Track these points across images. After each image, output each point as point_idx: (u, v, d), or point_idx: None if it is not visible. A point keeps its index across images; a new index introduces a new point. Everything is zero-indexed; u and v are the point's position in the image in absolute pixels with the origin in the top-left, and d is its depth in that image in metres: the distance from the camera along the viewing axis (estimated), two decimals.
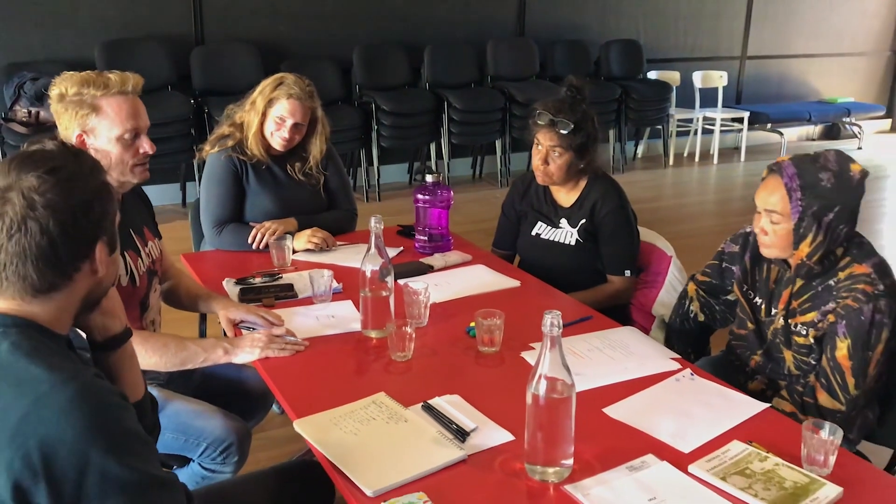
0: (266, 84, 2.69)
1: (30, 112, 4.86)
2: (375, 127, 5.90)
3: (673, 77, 7.56)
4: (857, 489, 1.46)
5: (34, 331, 1.18)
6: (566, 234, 2.59)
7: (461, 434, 1.59)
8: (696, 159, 7.76)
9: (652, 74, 7.45)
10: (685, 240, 5.66)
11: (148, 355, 1.88)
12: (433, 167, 6.34)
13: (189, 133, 5.31)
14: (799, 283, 1.96)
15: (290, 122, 2.68)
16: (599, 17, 7.20)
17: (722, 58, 8.01)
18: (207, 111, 5.34)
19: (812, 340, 1.93)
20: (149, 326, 2.10)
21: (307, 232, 2.65)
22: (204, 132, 5.27)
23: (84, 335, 1.38)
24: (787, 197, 1.86)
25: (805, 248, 1.87)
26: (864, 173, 1.88)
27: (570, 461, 1.49)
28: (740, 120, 7.73)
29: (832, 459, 1.50)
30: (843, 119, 8.46)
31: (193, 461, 1.98)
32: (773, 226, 1.90)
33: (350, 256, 2.58)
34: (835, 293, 1.89)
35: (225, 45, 5.68)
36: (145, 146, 1.96)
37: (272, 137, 2.70)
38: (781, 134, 8.02)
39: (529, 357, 1.94)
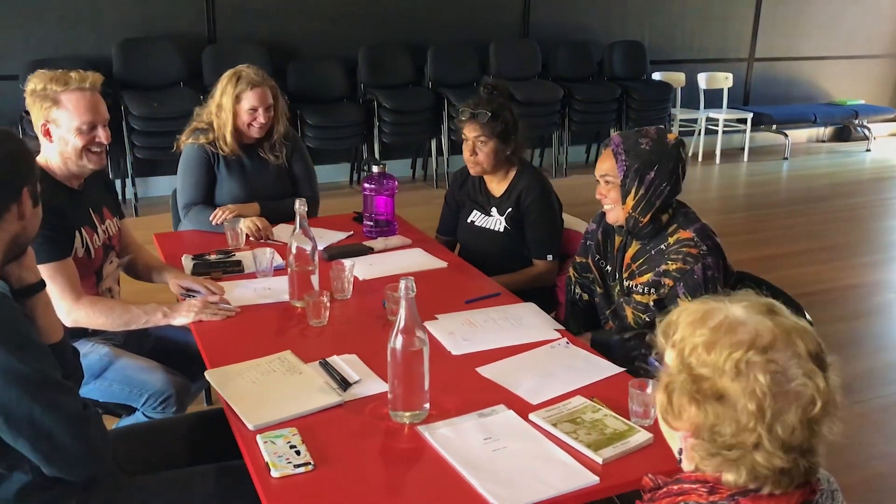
0: (225, 84, 2.99)
1: None
2: (377, 124, 6.18)
3: (677, 78, 7.72)
4: None
5: None
6: (496, 221, 2.84)
7: (344, 384, 1.86)
8: (700, 159, 7.90)
9: (656, 76, 7.62)
10: None
11: (96, 316, 2.19)
12: (433, 163, 6.61)
13: None
14: (635, 245, 2.25)
15: (261, 108, 2.98)
16: (604, 18, 7.40)
17: (729, 59, 8.14)
18: None
19: (651, 301, 2.18)
20: (105, 294, 2.40)
21: (251, 218, 2.92)
22: None
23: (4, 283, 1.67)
24: (615, 161, 2.15)
25: (630, 201, 2.17)
26: (679, 141, 2.20)
27: (426, 406, 1.74)
28: (744, 121, 7.86)
29: (653, 412, 1.73)
30: (853, 121, 8.53)
31: (138, 410, 2.27)
32: (607, 186, 2.21)
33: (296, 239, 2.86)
34: (666, 256, 2.18)
35: (235, 44, 6.00)
36: (101, 136, 2.25)
37: (250, 129, 3.00)
38: (786, 135, 8.13)
39: (430, 326, 2.19)
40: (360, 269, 2.59)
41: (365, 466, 1.59)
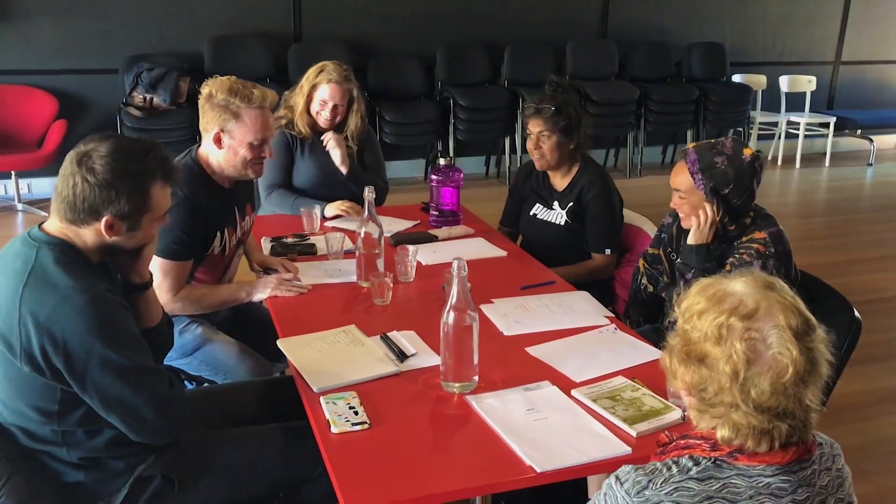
0: (311, 71, 3.22)
1: (145, 98, 5.57)
2: (452, 121, 6.34)
3: (758, 81, 7.64)
4: None
5: (70, 250, 1.66)
6: (557, 215, 2.95)
7: (401, 356, 2.01)
8: (779, 163, 7.80)
9: (736, 78, 7.56)
10: None
11: (190, 307, 2.40)
12: (507, 161, 6.73)
13: None
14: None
15: (331, 103, 3.18)
16: (684, 19, 7.38)
17: (813, 62, 8.01)
18: None
19: None
20: (225, 283, 2.60)
21: (337, 203, 3.12)
22: None
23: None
24: (691, 178, 2.24)
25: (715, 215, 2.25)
26: (755, 156, 2.23)
27: (475, 378, 1.88)
28: (827, 125, 7.72)
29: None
30: None
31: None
32: (681, 199, 2.29)
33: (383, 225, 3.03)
34: (735, 251, 2.25)
35: (319, 42, 6.25)
36: (266, 152, 2.42)
37: (318, 116, 3.21)
38: (871, 140, 7.95)
39: (486, 308, 2.33)
40: (423, 255, 2.74)
41: (415, 428, 1.74)
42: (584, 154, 2.96)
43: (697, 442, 1.21)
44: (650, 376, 1.94)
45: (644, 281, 2.56)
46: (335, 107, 3.18)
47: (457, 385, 1.87)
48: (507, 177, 6.73)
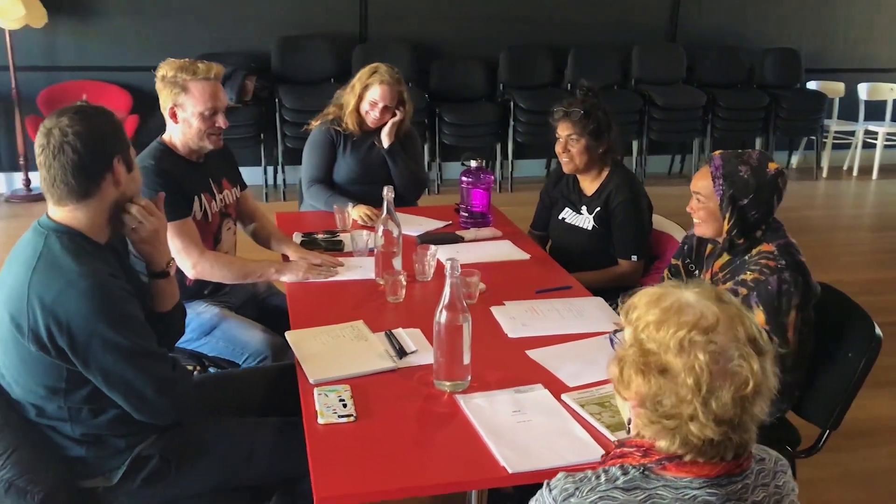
0: (363, 72, 3.32)
1: None
2: (512, 123, 6.36)
3: (835, 88, 7.39)
4: None
5: (78, 237, 1.75)
6: (585, 219, 2.95)
7: (401, 352, 2.06)
8: (855, 173, 7.53)
9: (811, 85, 7.33)
10: (804, 250, 5.64)
11: (218, 269, 2.53)
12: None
13: None
14: (725, 256, 2.30)
15: (381, 104, 3.27)
16: (758, 24, 7.20)
17: None
18: None
19: None
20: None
21: (362, 208, 3.18)
22: None
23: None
24: (712, 183, 2.20)
25: (726, 225, 2.22)
26: (779, 172, 2.18)
27: (467, 378, 1.91)
28: None
29: None
30: None
31: (240, 365, 2.57)
32: (699, 204, 2.26)
33: (413, 225, 3.10)
34: (746, 266, 2.21)
35: (384, 43, 6.35)
36: (220, 121, 2.56)
37: (367, 116, 3.30)
38: None
39: (496, 310, 2.36)
40: (447, 255, 2.77)
41: (400, 424, 1.79)
42: (616, 159, 2.95)
43: (631, 450, 1.21)
44: None
45: None
46: (385, 108, 3.26)
47: (448, 384, 1.90)
48: None
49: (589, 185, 2.97)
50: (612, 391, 1.88)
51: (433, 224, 3.16)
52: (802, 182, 7.29)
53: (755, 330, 1.17)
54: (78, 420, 1.77)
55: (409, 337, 2.15)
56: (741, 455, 1.19)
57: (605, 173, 2.93)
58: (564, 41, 6.67)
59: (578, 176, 2.98)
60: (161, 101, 2.56)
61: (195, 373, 2.62)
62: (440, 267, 2.64)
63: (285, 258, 2.75)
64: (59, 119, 1.72)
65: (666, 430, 1.17)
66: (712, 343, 1.14)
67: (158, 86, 2.54)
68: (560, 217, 3.04)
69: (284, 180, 6.18)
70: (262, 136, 5.99)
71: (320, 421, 1.76)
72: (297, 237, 2.95)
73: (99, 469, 1.81)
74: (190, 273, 2.50)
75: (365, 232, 2.82)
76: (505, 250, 2.88)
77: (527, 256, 2.82)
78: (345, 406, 1.81)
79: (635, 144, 6.73)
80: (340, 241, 2.89)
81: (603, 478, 1.19)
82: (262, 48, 6.10)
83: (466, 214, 3.11)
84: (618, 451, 1.24)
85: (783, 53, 7.19)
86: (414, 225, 3.13)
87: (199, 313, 2.56)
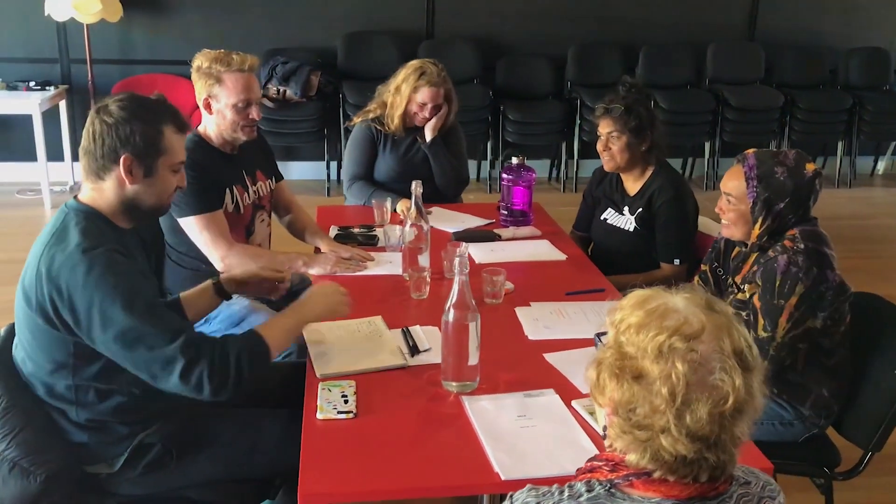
0: (409, 73, 3.28)
1: (278, 90, 5.83)
2: (579, 122, 6.23)
3: None
4: None
5: (95, 216, 1.77)
6: (627, 220, 2.84)
7: (414, 350, 2.01)
8: None
9: None
10: (874, 260, 5.37)
11: (247, 261, 2.49)
12: None
13: None
14: (753, 256, 2.18)
15: (430, 105, 3.24)
16: (843, 22, 6.86)
17: None
18: None
19: (747, 296, 2.12)
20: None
21: (406, 200, 3.14)
22: None
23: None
24: (745, 184, 2.09)
25: (757, 229, 2.11)
26: (817, 173, 2.05)
27: (475, 378, 1.85)
28: None
29: None
30: None
31: None
32: (729, 206, 2.16)
33: (438, 221, 3.05)
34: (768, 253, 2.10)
35: (450, 40, 6.31)
36: (253, 113, 2.56)
37: (415, 117, 3.28)
38: None
39: (520, 310, 2.29)
40: (481, 253, 2.73)
41: (400, 423, 1.74)
42: (660, 158, 2.84)
43: (600, 464, 1.13)
44: None
45: None
46: (434, 108, 3.25)
47: (455, 384, 1.85)
48: None
49: (632, 184, 2.86)
50: None
51: (474, 221, 3.10)
52: (888, 189, 6.92)
53: (744, 343, 1.08)
54: (84, 403, 1.78)
55: (425, 335, 2.11)
56: (717, 478, 1.09)
57: (648, 173, 2.82)
58: (636, 39, 6.50)
59: (622, 175, 2.88)
60: (196, 92, 2.58)
61: None
62: (473, 265, 2.60)
63: (318, 251, 2.74)
64: (111, 98, 1.77)
65: (637, 442, 1.09)
66: (693, 352, 1.06)
67: (194, 77, 2.56)
68: (602, 217, 2.94)
69: (339, 175, 6.21)
70: (325, 131, 6.02)
71: (319, 416, 1.74)
72: (334, 230, 2.94)
73: (101, 455, 1.82)
74: (219, 266, 2.51)
75: (398, 227, 2.78)
76: (542, 250, 2.80)
77: (563, 257, 2.74)
78: (346, 402, 1.78)
79: (707, 146, 6.52)
80: (375, 235, 2.87)
81: (566, 493, 1.12)
82: (328, 44, 6.14)
83: (506, 212, 3.04)
84: (588, 464, 1.16)
85: (870, 53, 6.83)
86: (455, 221, 3.08)
87: (229, 304, 2.56)
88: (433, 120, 3.29)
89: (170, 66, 6.01)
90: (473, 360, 1.83)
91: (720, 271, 2.34)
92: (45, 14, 5.52)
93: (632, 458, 1.10)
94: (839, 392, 2.13)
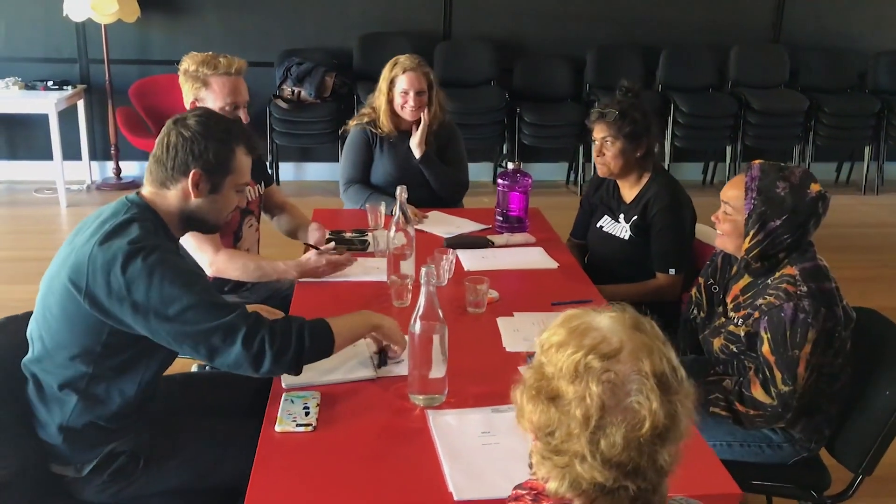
0: (384, 70, 3.23)
1: (293, 91, 5.82)
2: None
3: None
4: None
5: (151, 213, 1.77)
6: (622, 228, 2.76)
7: (382, 361, 1.96)
8: None
9: None
10: (884, 269, 5.20)
11: (233, 268, 2.49)
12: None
13: None
14: (747, 278, 2.08)
15: (412, 92, 3.17)
16: (873, 24, 6.69)
17: None
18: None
19: (742, 333, 2.02)
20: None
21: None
22: None
23: None
24: (744, 194, 1.98)
25: (746, 243, 2.01)
26: (822, 195, 1.95)
27: (442, 392, 1.80)
28: None
29: None
30: None
31: None
32: (726, 216, 2.07)
33: (433, 225, 3.00)
34: (767, 289, 1.99)
35: (467, 41, 6.25)
36: (242, 117, 2.53)
37: (403, 111, 3.20)
38: None
39: (502, 321, 2.23)
40: (471, 260, 2.67)
41: (360, 438, 1.69)
42: (657, 165, 2.75)
43: (524, 493, 1.08)
44: None
45: (695, 311, 2.35)
46: (417, 94, 3.16)
47: (421, 398, 1.79)
48: None
49: (628, 191, 2.78)
50: None
51: (471, 226, 3.04)
52: None
53: (666, 365, 1.02)
54: (90, 397, 1.75)
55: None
56: None
57: (645, 179, 2.74)
58: (657, 41, 6.39)
59: (618, 182, 2.81)
60: (183, 96, 2.55)
61: (206, 369, 2.61)
62: (461, 273, 2.54)
63: (308, 248, 2.70)
64: (191, 112, 1.83)
65: (556, 469, 1.03)
66: (609, 372, 1.00)
67: (181, 79, 2.54)
68: (598, 225, 2.87)
69: None
70: (339, 132, 5.99)
71: (277, 428, 1.70)
72: (327, 234, 2.89)
73: (72, 459, 1.80)
74: (208, 271, 2.49)
75: (388, 232, 2.73)
76: (534, 258, 2.73)
77: (555, 265, 2.67)
78: (307, 414, 1.74)
79: (728, 150, 6.38)
80: (365, 240, 2.82)
81: None
82: (344, 45, 6.11)
83: (501, 219, 2.98)
84: (514, 492, 1.11)
85: None
86: (450, 226, 3.03)
87: None
88: (418, 133, 3.21)
89: None
90: (438, 372, 1.78)
91: (715, 288, 2.25)
92: (64, 14, 5.57)
93: (552, 485, 1.04)
94: (834, 417, 2.03)
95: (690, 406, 1.03)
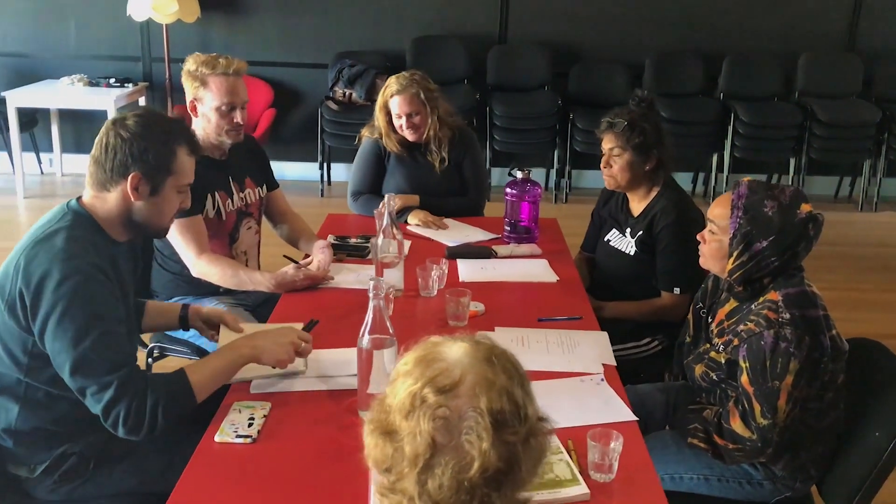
0: (381, 92, 3.14)
1: (344, 93, 5.85)
2: None
3: None
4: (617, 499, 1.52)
5: (90, 224, 1.77)
6: (628, 243, 2.65)
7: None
8: None
9: None
10: None
11: (212, 273, 2.49)
12: (713, 179, 6.20)
13: (471, 123, 5.91)
14: (732, 303, 1.98)
15: (403, 116, 3.08)
16: None
17: None
18: (489, 107, 5.89)
19: (723, 360, 1.91)
20: (240, 256, 2.70)
21: (419, 212, 3.06)
22: (484, 125, 5.87)
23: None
24: (730, 213, 1.87)
25: (730, 264, 1.89)
26: (812, 217, 1.82)
27: None
28: None
29: (615, 467, 1.56)
30: None
31: None
32: (711, 235, 1.96)
33: (441, 233, 2.95)
34: (749, 315, 1.87)
35: (521, 45, 6.16)
36: (238, 117, 2.53)
37: (405, 133, 3.13)
38: None
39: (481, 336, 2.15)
40: (469, 270, 2.61)
41: (298, 452, 1.66)
42: (668, 179, 2.63)
43: None
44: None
45: (685, 335, 2.23)
46: (409, 116, 3.08)
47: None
48: (712, 196, 6.20)
49: (636, 204, 2.67)
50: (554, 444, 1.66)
51: (480, 236, 2.98)
52: None
53: (507, 402, 0.94)
54: (31, 404, 1.76)
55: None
56: None
57: (653, 193, 2.62)
58: (719, 47, 6.16)
59: (628, 194, 2.69)
60: (186, 95, 2.57)
61: None
62: (457, 283, 2.49)
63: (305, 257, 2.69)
64: (131, 112, 1.79)
65: None
66: (443, 408, 0.94)
67: (183, 79, 2.56)
68: (606, 239, 2.76)
69: None
70: (355, 139, 5.98)
71: (216, 438, 1.68)
72: (331, 239, 2.88)
73: (24, 460, 1.81)
74: (192, 272, 2.50)
75: (386, 240, 2.69)
76: (535, 270, 2.65)
77: (555, 279, 2.58)
78: (249, 426, 1.71)
79: (792, 162, 6.11)
80: (366, 246, 2.79)
81: None
82: (397, 47, 6.11)
83: (509, 228, 2.90)
84: None
85: None
86: (459, 235, 2.97)
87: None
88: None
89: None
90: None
91: (703, 312, 2.13)
92: (127, 14, 5.74)
93: None
94: (823, 456, 1.89)
95: (537, 446, 0.95)
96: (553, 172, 6.20)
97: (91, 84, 5.89)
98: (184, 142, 1.82)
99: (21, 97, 5.63)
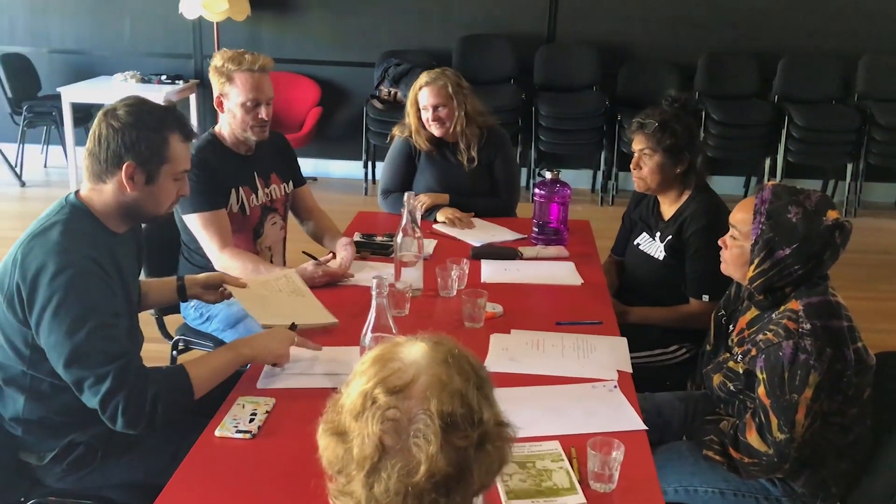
0: (412, 86, 3.11)
1: (389, 92, 5.86)
2: (703, 135, 5.82)
3: None
4: None
5: (88, 218, 1.78)
6: (657, 248, 2.57)
7: None
8: None
9: None
10: None
11: (233, 267, 2.48)
12: (766, 181, 6.02)
13: (516, 123, 5.86)
14: (754, 311, 1.90)
15: (430, 107, 3.05)
16: None
17: None
18: (535, 106, 5.82)
19: (742, 370, 1.84)
20: (264, 252, 2.71)
21: (447, 209, 3.03)
22: (529, 125, 5.80)
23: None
24: (752, 218, 1.81)
25: (751, 271, 1.82)
26: (839, 224, 1.73)
27: None
28: None
29: (615, 477, 1.51)
30: None
31: None
32: (733, 241, 1.90)
33: (469, 233, 2.91)
34: (769, 324, 1.79)
35: (570, 45, 6.08)
36: (262, 113, 2.54)
37: (431, 127, 3.09)
38: None
39: (496, 338, 2.12)
40: (492, 271, 2.57)
41: (296, 450, 1.63)
42: (701, 182, 2.55)
43: None
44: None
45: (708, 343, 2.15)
46: (436, 108, 3.04)
47: None
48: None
49: (668, 208, 2.59)
50: (544, 451, 1.62)
51: (508, 236, 2.93)
52: None
53: (459, 405, 0.91)
54: (36, 395, 1.78)
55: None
56: None
57: (685, 196, 2.54)
58: (774, 47, 5.98)
59: (658, 197, 2.62)
60: (213, 90, 2.59)
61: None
62: (477, 284, 2.46)
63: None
64: (121, 102, 1.78)
65: None
66: (393, 409, 0.91)
67: (210, 75, 2.58)
68: (635, 242, 2.68)
69: None
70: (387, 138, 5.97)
71: (217, 433, 1.68)
72: (357, 237, 2.87)
73: (34, 448, 1.84)
74: (215, 265, 2.52)
75: (410, 239, 2.67)
76: (560, 273, 2.60)
77: (579, 282, 2.53)
78: (251, 421, 1.70)
79: (850, 168, 5.91)
80: (389, 245, 2.77)
81: None
82: (444, 46, 6.08)
83: (537, 230, 2.85)
84: None
85: None
86: (486, 234, 2.94)
87: (228, 304, 2.55)
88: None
89: (292, 65, 6.18)
90: None
91: (725, 320, 2.06)
92: (179, 12, 5.84)
93: None
94: (846, 473, 1.80)
95: (499, 457, 0.91)
96: (599, 174, 6.11)
97: (143, 81, 6.00)
98: (176, 129, 1.80)
99: (75, 93, 5.76)
